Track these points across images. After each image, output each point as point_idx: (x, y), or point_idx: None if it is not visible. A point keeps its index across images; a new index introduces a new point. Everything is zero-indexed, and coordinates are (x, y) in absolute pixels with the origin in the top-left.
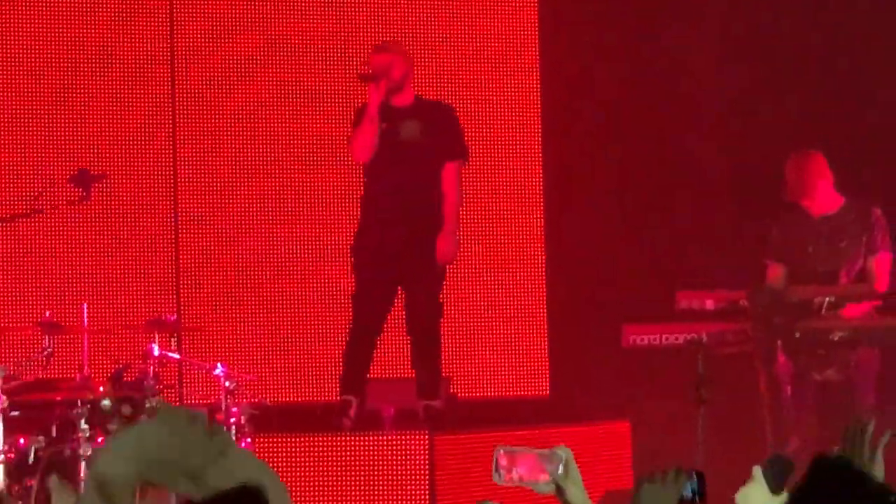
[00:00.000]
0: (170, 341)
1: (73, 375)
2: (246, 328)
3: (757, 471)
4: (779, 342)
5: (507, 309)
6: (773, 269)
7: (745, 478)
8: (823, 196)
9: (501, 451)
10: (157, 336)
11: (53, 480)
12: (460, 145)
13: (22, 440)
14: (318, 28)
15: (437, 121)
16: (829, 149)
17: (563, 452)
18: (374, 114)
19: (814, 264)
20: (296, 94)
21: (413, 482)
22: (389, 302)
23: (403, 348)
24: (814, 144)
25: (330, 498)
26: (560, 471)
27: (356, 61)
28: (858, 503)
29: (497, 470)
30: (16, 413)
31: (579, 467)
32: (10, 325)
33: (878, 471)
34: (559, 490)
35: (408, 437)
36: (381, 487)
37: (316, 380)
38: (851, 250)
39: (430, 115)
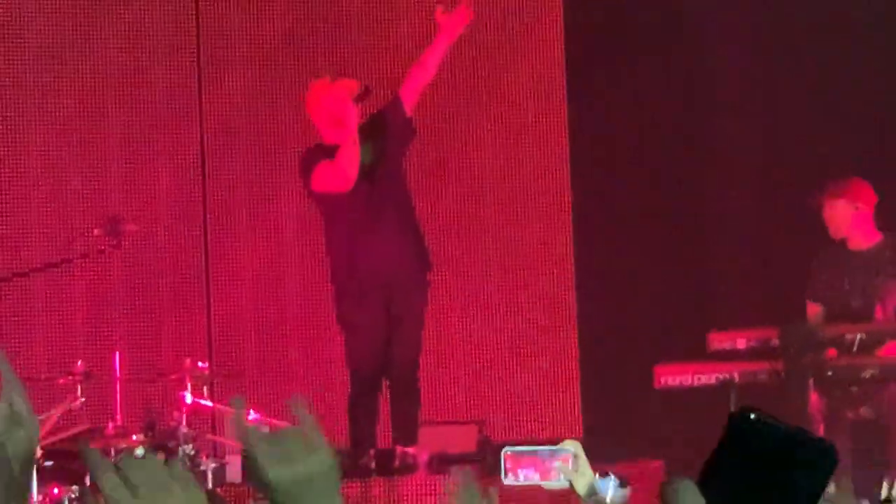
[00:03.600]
0: (202, 389)
1: (105, 424)
2: (279, 374)
3: None
4: (811, 380)
5: (538, 351)
6: (810, 308)
7: None
8: (861, 228)
9: (508, 452)
10: (189, 384)
11: None
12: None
13: (56, 490)
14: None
15: (382, 130)
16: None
17: (572, 446)
18: (357, 137)
19: (848, 300)
20: None
21: None
22: (385, 339)
23: (441, 390)
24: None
25: None
26: (570, 466)
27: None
28: (773, 449)
29: (505, 472)
30: (49, 462)
31: None
32: (43, 374)
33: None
34: (571, 485)
35: (443, 480)
36: None
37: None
38: (888, 286)
39: (372, 129)
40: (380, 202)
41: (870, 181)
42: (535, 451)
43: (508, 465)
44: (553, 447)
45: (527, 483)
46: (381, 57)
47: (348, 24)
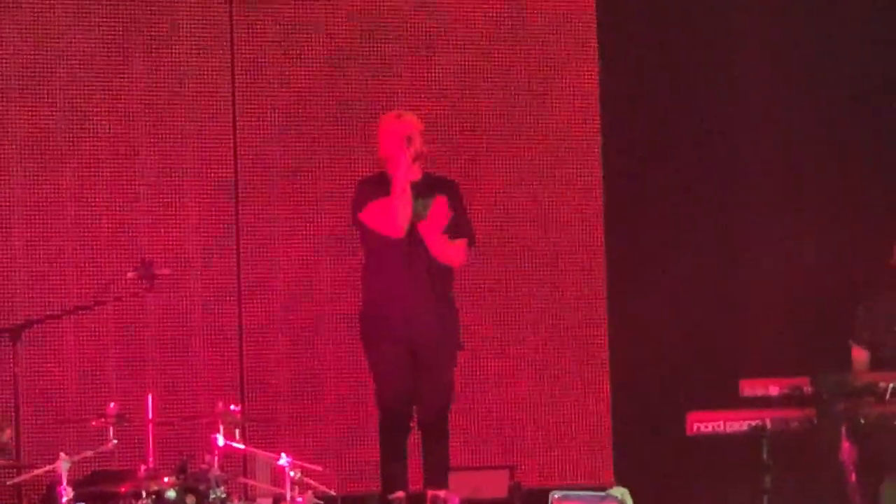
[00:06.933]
0: (234, 432)
1: (137, 467)
2: (311, 418)
3: None
4: (843, 428)
5: (570, 397)
6: (855, 352)
7: None
8: None
9: (556, 497)
10: (221, 427)
11: None
12: (470, 229)
13: None
14: (374, 95)
15: (448, 198)
16: None
17: (619, 493)
18: (407, 185)
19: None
20: (366, 165)
21: None
22: (412, 383)
23: (473, 435)
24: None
25: None
26: None
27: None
28: None
29: None
30: None
31: None
32: (76, 416)
33: None
34: None
35: None
36: None
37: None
38: None
39: (439, 191)
40: (426, 257)
41: None
42: (582, 497)
43: None
44: (601, 493)
45: None
46: (421, 91)
47: (388, 57)
